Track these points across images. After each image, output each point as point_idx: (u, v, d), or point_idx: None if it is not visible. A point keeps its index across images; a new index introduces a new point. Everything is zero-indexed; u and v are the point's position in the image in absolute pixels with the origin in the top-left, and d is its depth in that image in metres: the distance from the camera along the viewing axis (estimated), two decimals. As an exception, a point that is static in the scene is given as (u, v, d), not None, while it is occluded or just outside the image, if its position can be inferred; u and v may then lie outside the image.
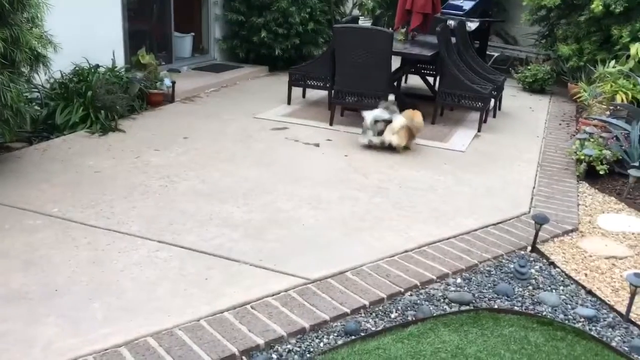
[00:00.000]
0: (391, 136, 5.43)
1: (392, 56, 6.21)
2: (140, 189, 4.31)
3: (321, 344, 2.76)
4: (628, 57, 6.95)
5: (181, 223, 3.82)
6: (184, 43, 8.58)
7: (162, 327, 2.75)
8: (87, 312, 2.84)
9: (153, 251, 3.44)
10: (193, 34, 8.74)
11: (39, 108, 5.49)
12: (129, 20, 7.11)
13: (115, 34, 6.85)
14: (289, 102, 7.08)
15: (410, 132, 5.58)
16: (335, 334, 2.83)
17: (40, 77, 5.27)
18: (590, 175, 5.14)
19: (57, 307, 2.86)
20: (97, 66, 6.20)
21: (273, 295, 3.07)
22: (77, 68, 6.05)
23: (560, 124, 7.07)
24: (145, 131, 5.71)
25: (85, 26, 6.30)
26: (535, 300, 3.23)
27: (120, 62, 6.74)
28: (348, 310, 2.99)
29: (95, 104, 5.66)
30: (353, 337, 2.80)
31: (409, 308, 3.07)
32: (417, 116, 5.63)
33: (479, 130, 6.45)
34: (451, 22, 7.68)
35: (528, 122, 7.06)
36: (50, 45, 4.80)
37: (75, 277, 3.12)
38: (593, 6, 7.44)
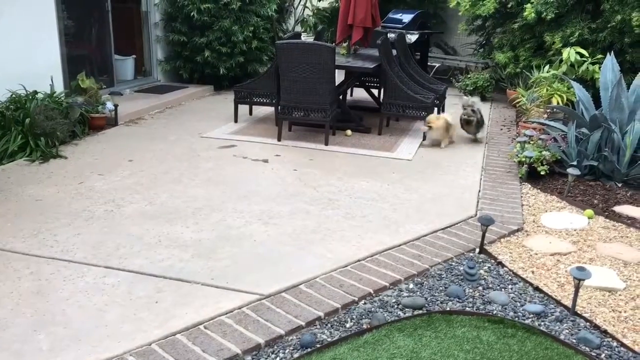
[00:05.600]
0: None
1: (336, 70, 6.29)
2: (84, 215, 4.20)
3: (277, 359, 2.73)
4: (561, 61, 7.24)
5: (128, 247, 3.73)
6: (125, 66, 8.46)
7: (112, 354, 2.67)
8: (32, 344, 2.73)
9: (100, 277, 3.35)
10: (134, 56, 8.63)
11: (-27, 138, 5.30)
12: (67, 45, 6.98)
13: (53, 60, 6.70)
14: (235, 120, 7.06)
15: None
16: (291, 348, 2.81)
17: (-26, 106, 5.09)
18: (532, 176, 5.30)
19: (0, 341, 2.74)
20: (36, 92, 6.04)
21: (226, 313, 3.03)
22: (13, 95, 5.87)
23: (501, 129, 7.29)
24: (88, 156, 5.57)
25: (20, 53, 6.16)
26: (486, 300, 3.29)
27: (60, 88, 6.60)
28: (303, 323, 2.98)
29: (34, 131, 5.50)
30: (309, 350, 2.79)
31: (363, 316, 3.08)
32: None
33: (424, 139, 6.58)
34: (391, 35, 7.85)
35: (471, 129, 7.23)
36: (-18, 73, 4.66)
37: (19, 309, 3.00)
38: (526, 13, 7.74)
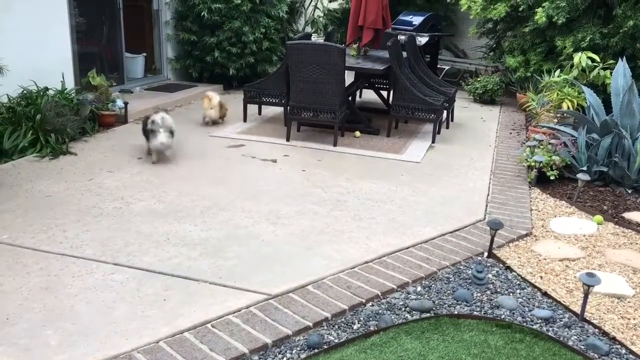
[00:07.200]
0: (210, 111, 6.74)
1: (346, 71, 6.29)
2: (93, 212, 4.21)
3: (284, 359, 2.73)
4: (572, 66, 7.21)
5: (137, 244, 3.74)
6: (135, 63, 8.49)
7: (120, 351, 2.68)
8: (41, 339, 2.74)
9: (108, 274, 3.36)
10: (145, 54, 8.65)
11: (-16, 133, 5.33)
12: (78, 42, 7.02)
13: (64, 56, 6.72)
14: (244, 120, 7.07)
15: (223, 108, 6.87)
16: (298, 348, 2.81)
17: (-14, 102, 5.12)
18: (541, 181, 5.28)
19: (9, 335, 2.75)
20: (46, 89, 6.07)
21: (234, 312, 3.03)
22: (25, 91, 5.91)
23: (510, 133, 7.26)
24: (97, 153, 5.60)
25: (32, 49, 6.18)
26: (494, 304, 3.28)
27: (71, 84, 6.62)
28: (310, 324, 2.97)
29: (45, 127, 5.53)
30: (316, 350, 2.78)
31: (371, 318, 3.07)
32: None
33: (433, 142, 6.56)
34: (401, 37, 7.84)
35: (480, 132, 7.23)
36: (-5, 68, 4.69)
37: (27, 305, 3.02)
38: (537, 17, 7.70)
